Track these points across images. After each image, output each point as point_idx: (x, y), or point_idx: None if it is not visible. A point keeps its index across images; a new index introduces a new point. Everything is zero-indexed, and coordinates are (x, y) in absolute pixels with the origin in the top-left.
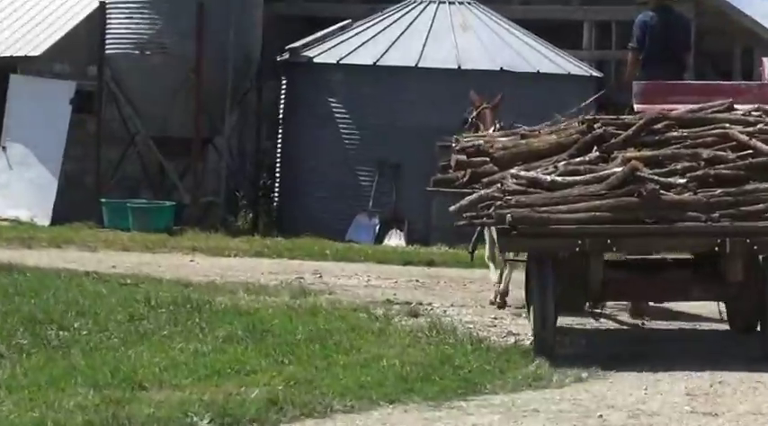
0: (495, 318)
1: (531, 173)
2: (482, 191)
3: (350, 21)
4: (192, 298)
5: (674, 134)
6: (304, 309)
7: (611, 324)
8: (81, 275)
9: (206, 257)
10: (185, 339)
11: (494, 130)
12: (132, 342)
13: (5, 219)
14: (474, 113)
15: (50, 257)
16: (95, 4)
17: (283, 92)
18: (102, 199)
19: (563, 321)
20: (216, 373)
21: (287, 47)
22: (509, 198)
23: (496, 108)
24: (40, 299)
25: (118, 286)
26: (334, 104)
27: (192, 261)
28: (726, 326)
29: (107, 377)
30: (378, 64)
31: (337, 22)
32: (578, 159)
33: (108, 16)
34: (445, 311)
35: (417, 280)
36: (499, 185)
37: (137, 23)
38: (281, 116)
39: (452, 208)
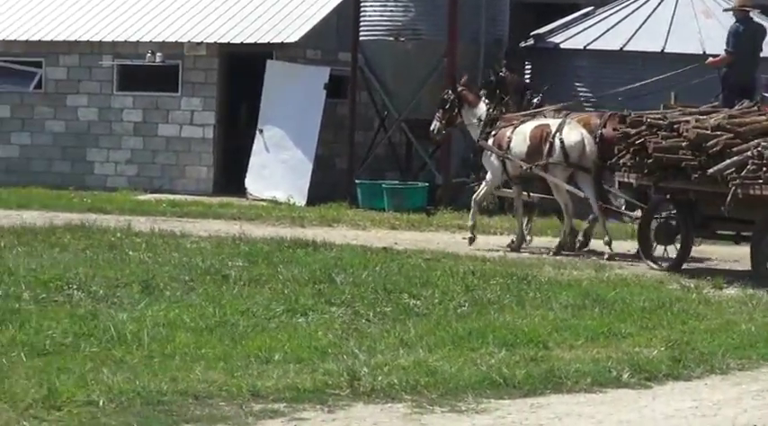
0: None
1: None
2: (735, 158)
3: (593, 7)
4: (513, 272)
5: None
6: (614, 281)
7: None
8: (378, 251)
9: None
10: (534, 307)
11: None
12: (484, 310)
13: (263, 200)
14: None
15: (330, 235)
16: None
17: (527, 77)
18: (357, 181)
19: None
20: (598, 335)
21: (532, 33)
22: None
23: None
24: (371, 272)
25: (423, 261)
26: (580, 89)
27: (463, 238)
28: None
29: (514, 338)
30: (624, 49)
31: (569, 11)
32: None
33: (362, 3)
34: (745, 285)
35: None
36: (755, 152)
37: (391, 11)
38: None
39: (711, 170)
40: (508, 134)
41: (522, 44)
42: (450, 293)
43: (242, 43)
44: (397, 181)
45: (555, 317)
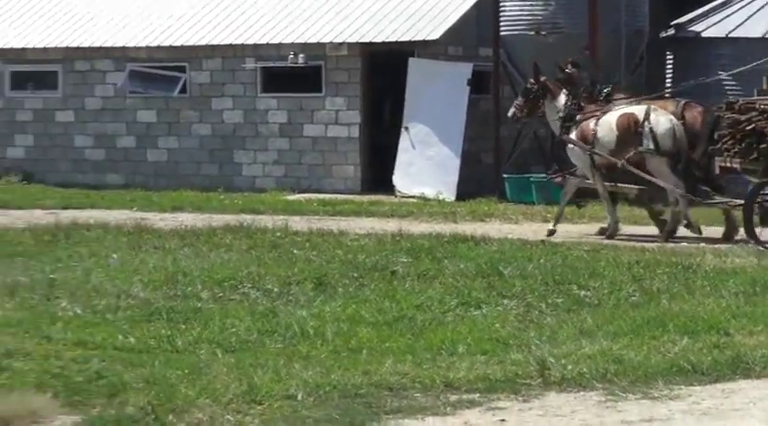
0: None
1: None
2: None
3: None
4: (677, 262)
5: None
6: None
7: None
8: (537, 243)
9: (625, 225)
10: (704, 295)
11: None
12: (655, 299)
13: (412, 196)
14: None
15: (485, 229)
16: None
17: (669, 67)
18: (505, 175)
19: None
20: None
21: (672, 22)
22: None
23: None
24: (536, 264)
25: (585, 252)
26: (723, 77)
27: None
28: None
29: (694, 325)
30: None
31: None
32: None
33: None
34: None
35: None
36: None
37: (531, 5)
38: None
39: None
40: (592, 126)
41: (663, 34)
42: (618, 283)
43: (383, 42)
44: (544, 175)
45: (728, 304)
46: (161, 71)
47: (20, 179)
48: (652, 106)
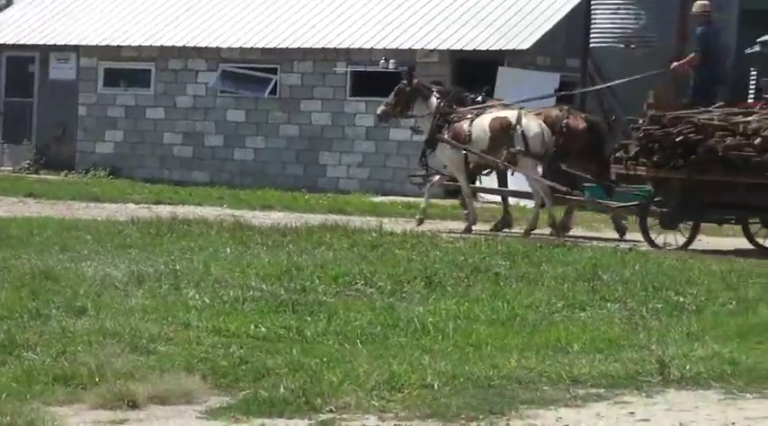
0: None
1: None
2: None
3: None
4: None
5: None
6: None
7: None
8: (625, 251)
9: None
10: None
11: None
12: (754, 307)
13: (493, 202)
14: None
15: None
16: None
17: (752, 83)
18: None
19: None
20: None
21: (758, 40)
22: None
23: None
24: (632, 271)
25: (676, 261)
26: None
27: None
28: None
29: None
30: None
31: None
32: None
33: (593, 12)
34: None
35: None
36: None
37: (622, 18)
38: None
39: None
40: (466, 127)
41: (748, 50)
42: (714, 291)
43: (474, 50)
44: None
45: None
46: (252, 72)
47: (107, 173)
48: (524, 111)
